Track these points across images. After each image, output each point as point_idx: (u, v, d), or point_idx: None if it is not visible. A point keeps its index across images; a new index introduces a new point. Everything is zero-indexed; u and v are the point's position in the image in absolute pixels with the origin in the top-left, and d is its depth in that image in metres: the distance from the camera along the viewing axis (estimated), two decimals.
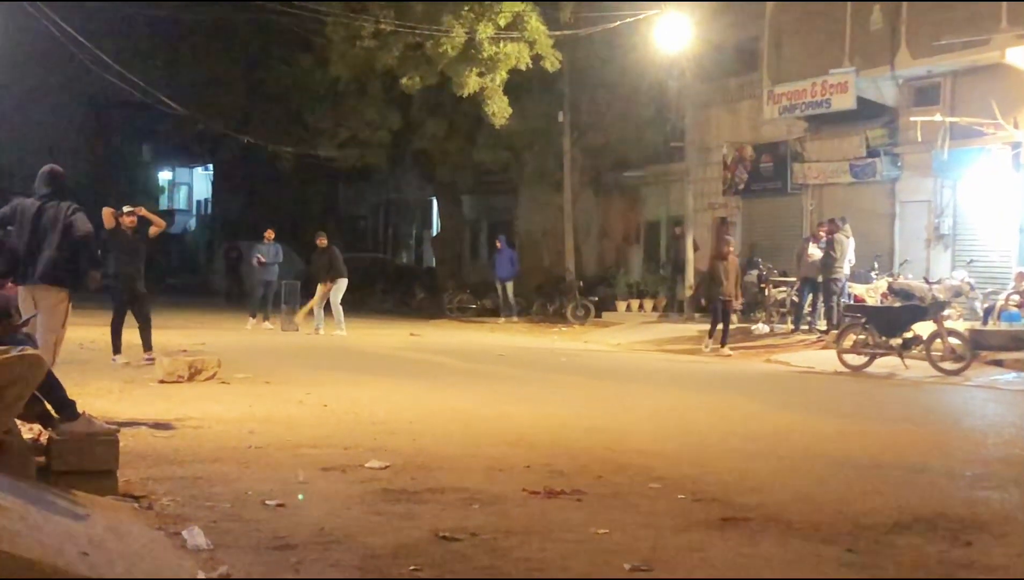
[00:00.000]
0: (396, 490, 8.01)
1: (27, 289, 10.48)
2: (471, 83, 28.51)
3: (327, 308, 25.20)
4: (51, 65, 46.64)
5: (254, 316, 26.65)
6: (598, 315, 30.67)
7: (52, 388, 7.76)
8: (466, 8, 28.00)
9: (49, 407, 7.83)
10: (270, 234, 27.02)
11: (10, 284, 10.37)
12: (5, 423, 7.29)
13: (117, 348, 17.38)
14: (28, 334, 8.42)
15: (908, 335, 18.18)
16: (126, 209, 17.29)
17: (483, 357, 20.38)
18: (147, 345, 17.22)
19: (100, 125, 76.32)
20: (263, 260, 26.47)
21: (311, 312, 25.56)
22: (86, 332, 18.37)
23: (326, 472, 8.63)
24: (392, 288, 41.07)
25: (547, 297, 32.25)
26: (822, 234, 22.96)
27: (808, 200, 27.60)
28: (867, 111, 25.03)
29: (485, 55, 28.28)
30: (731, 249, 21.90)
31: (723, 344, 21.53)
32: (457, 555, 6.30)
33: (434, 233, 45.74)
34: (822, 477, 8.94)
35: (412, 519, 7.14)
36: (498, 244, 32.47)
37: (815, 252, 22.95)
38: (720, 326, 21.85)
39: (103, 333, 18.41)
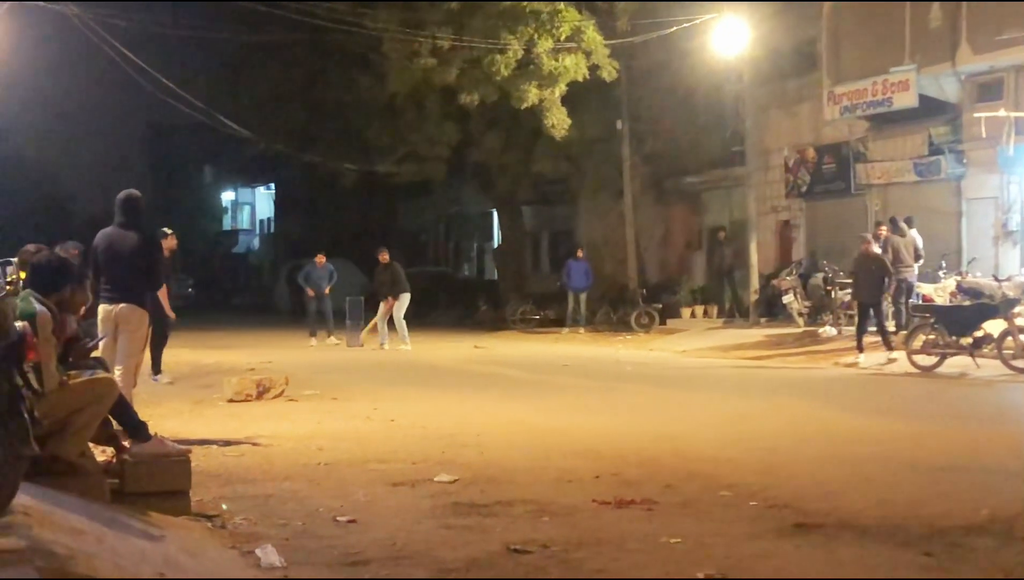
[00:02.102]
0: (466, 503, 8.01)
1: (107, 310, 10.64)
2: (530, 96, 28.58)
3: (391, 323, 25.27)
4: (112, 90, 47.36)
5: (313, 334, 26.72)
6: (662, 322, 30.52)
7: (124, 411, 7.85)
8: (524, 24, 28.08)
9: (121, 429, 7.92)
10: (321, 259, 27.23)
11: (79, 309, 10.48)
12: (79, 446, 7.39)
13: (158, 367, 17.81)
14: (99, 358, 8.51)
15: (978, 334, 17.91)
16: (168, 231, 17.57)
17: (548, 368, 20.35)
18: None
19: (162, 148, 77.36)
20: (312, 293, 26.78)
21: (375, 328, 25.66)
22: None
23: (396, 487, 8.66)
24: (455, 301, 41.14)
25: (611, 305, 32.15)
26: (882, 234, 22.68)
27: (872, 200, 27.31)
28: (929, 109, 24.75)
29: (544, 71, 28.35)
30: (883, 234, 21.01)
31: (890, 348, 19.78)
32: (529, 568, 6.29)
33: (495, 245, 45.77)
34: (895, 480, 8.83)
35: (483, 532, 7.14)
36: (579, 253, 32.30)
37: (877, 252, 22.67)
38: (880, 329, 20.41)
39: (170, 355, 18.68)
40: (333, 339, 26.56)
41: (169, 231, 17.68)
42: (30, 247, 11.30)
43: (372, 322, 25.87)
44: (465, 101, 29.78)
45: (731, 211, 32.91)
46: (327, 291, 26.83)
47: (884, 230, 22.75)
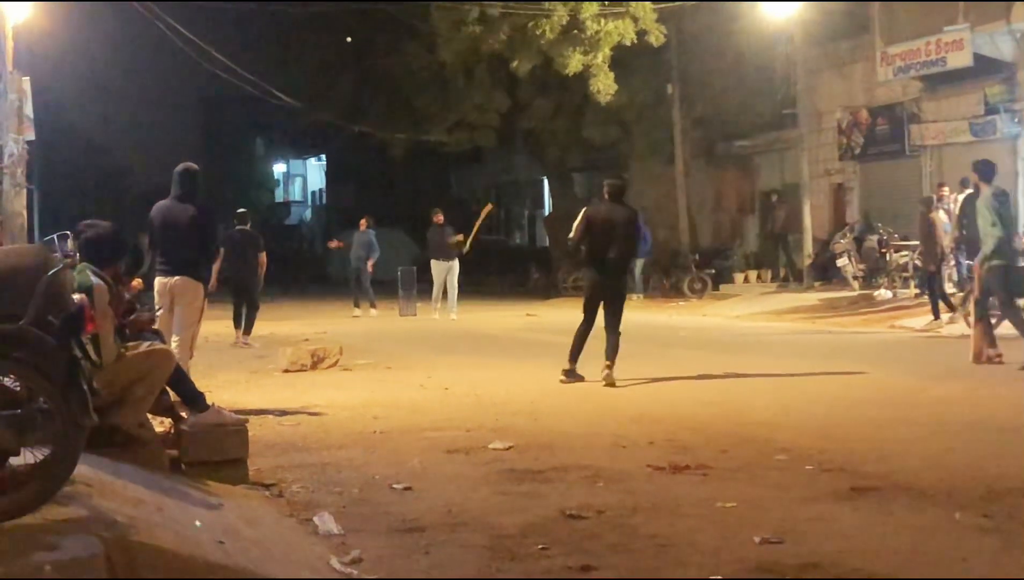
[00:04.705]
0: (520, 470, 8.04)
1: (163, 283, 10.75)
2: (575, 62, 28.47)
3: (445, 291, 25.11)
4: (164, 64, 47.67)
5: (357, 305, 26.57)
6: (715, 288, 30.42)
7: (181, 381, 7.93)
8: None
9: (178, 400, 8.01)
10: (363, 223, 26.94)
11: (135, 282, 10.59)
12: (138, 417, 7.48)
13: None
14: (156, 330, 8.60)
15: None
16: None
17: (600, 335, 20.28)
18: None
19: (213, 120, 77.74)
20: (337, 244, 26.76)
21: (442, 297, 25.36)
22: (210, 326, 18.73)
23: (450, 454, 8.70)
24: (507, 269, 41.15)
25: (663, 271, 32.02)
26: (943, 195, 22.42)
27: (927, 162, 27.03)
28: (984, 67, 24.41)
29: (588, 33, 28.23)
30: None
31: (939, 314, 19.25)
32: (585, 533, 6.31)
33: (546, 213, 45.71)
34: (952, 443, 8.76)
35: (538, 498, 7.16)
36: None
37: (937, 215, 22.44)
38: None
39: (227, 326, 19.15)
40: (374, 311, 26.31)
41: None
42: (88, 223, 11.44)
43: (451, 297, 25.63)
44: (514, 68, 29.72)
45: (784, 174, 32.69)
46: (370, 267, 26.40)
47: (946, 191, 22.50)
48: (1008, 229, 14.22)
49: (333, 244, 27.21)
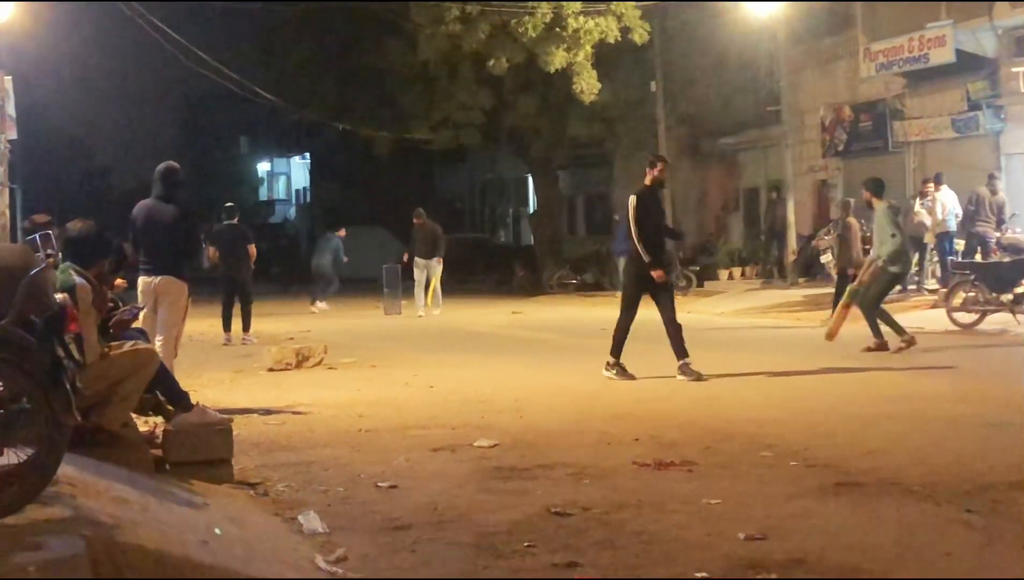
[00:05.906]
0: (506, 467, 8.04)
1: (147, 282, 10.71)
2: (557, 59, 28.47)
3: (427, 288, 25.10)
4: (147, 63, 47.54)
5: (313, 302, 26.82)
6: (700, 284, 30.46)
7: (165, 381, 7.92)
8: None
9: (162, 399, 7.99)
10: (341, 233, 27.58)
11: (119, 281, 10.55)
12: (122, 416, 7.47)
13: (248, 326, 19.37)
14: (140, 329, 8.58)
15: (1019, 290, 17.74)
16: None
17: (585, 332, 20.31)
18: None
19: (197, 120, 77.55)
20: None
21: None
22: (194, 324, 18.69)
23: (436, 452, 8.69)
24: (492, 267, 41.12)
25: None
26: (927, 191, 22.54)
27: (910, 158, 27.08)
28: (967, 64, 24.45)
29: (570, 30, 28.24)
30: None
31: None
32: (570, 530, 6.31)
33: (531, 210, 45.70)
34: (937, 438, 8.79)
35: (523, 496, 7.16)
36: (616, 217, 32.16)
37: (920, 211, 22.56)
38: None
39: (212, 325, 19.04)
40: (314, 308, 26.48)
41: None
42: (37, 217, 11.45)
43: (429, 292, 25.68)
44: (492, 67, 29.71)
45: (767, 172, 32.74)
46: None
47: (930, 188, 22.63)
48: (904, 239, 15.64)
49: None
